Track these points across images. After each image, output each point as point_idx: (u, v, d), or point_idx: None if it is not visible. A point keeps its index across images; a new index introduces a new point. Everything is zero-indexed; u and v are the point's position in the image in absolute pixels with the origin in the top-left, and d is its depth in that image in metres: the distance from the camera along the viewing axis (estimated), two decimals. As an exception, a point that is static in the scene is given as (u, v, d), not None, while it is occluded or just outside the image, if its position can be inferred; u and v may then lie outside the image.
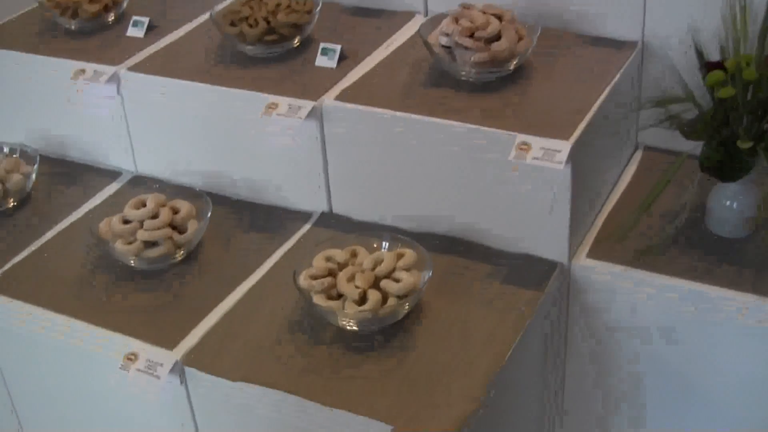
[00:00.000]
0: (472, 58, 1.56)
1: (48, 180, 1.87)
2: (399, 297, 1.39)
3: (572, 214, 1.48)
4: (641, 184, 1.68)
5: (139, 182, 1.84)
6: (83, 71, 1.78)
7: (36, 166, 1.82)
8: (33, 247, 1.68)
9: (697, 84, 1.48)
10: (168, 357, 1.40)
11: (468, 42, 1.55)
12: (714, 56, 1.48)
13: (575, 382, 1.64)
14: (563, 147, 1.42)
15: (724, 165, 1.44)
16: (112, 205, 1.70)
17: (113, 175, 1.88)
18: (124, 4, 1.96)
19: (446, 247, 1.58)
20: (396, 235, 1.52)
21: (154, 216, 1.58)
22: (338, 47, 1.71)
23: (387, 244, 1.50)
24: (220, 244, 1.65)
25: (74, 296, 1.54)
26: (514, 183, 1.48)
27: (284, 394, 1.32)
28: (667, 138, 1.64)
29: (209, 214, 1.61)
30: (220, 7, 1.86)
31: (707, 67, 1.44)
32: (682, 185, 1.58)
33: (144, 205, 1.61)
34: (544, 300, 1.47)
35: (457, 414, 1.26)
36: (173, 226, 1.59)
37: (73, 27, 1.93)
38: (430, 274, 1.42)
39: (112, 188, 1.84)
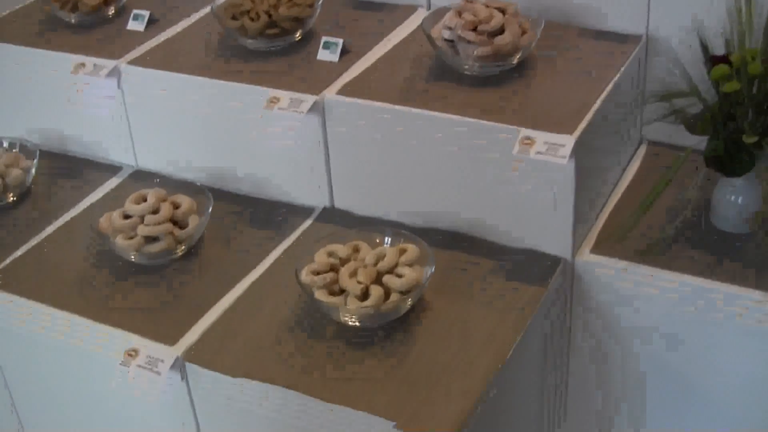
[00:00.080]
0: (475, 52, 1.55)
1: (48, 175, 1.87)
2: (401, 293, 1.38)
3: (576, 209, 1.47)
4: (645, 179, 1.67)
5: (140, 177, 1.83)
6: (83, 65, 1.77)
7: (36, 161, 1.81)
8: (33, 242, 1.67)
9: (702, 78, 1.47)
10: (169, 353, 1.39)
11: (471, 36, 1.55)
12: (719, 50, 1.48)
13: (577, 380, 1.64)
14: (567, 141, 1.41)
15: (729, 160, 1.43)
16: (113, 200, 1.70)
17: (114, 169, 1.87)
18: (125, -2, 1.96)
19: (449, 242, 1.57)
20: (398, 230, 1.51)
21: (155, 211, 1.58)
22: (340, 41, 1.70)
23: (389, 239, 1.50)
24: (221, 239, 1.64)
25: (74, 292, 1.54)
26: (517, 178, 1.47)
27: (285, 390, 1.32)
28: (671, 132, 1.64)
29: (210, 210, 1.61)
30: (221, 0, 1.85)
31: (712, 61, 1.44)
32: (686, 181, 1.57)
33: (145, 200, 1.60)
34: (547, 296, 1.46)
35: (457, 412, 1.25)
36: (174, 222, 1.58)
37: (73, 20, 1.92)
38: (433, 269, 1.42)
39: (112, 183, 1.84)
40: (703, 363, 1.50)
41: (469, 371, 1.32)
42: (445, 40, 1.59)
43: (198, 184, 1.69)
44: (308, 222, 1.67)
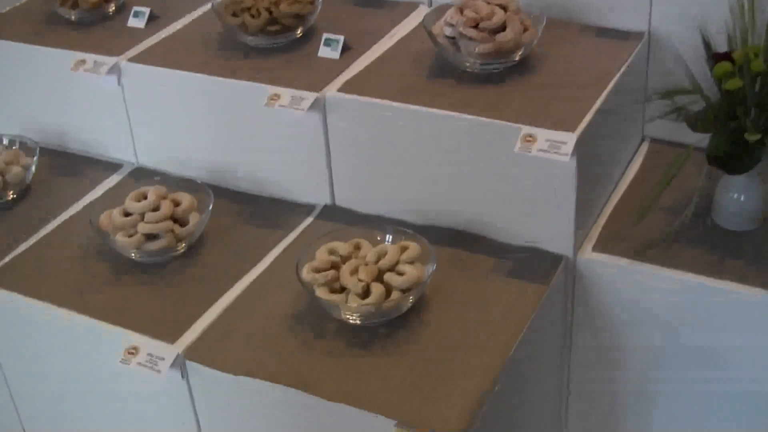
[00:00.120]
0: (477, 49, 1.55)
1: (48, 172, 1.86)
2: (402, 291, 1.38)
3: (578, 206, 1.47)
4: (647, 177, 1.67)
5: (140, 174, 1.83)
6: (83, 62, 1.77)
7: (36, 158, 1.81)
8: (33, 240, 1.67)
9: (705, 75, 1.47)
10: (169, 351, 1.39)
11: (472, 33, 1.54)
12: (721, 47, 1.47)
13: (579, 379, 1.63)
14: (569, 139, 1.41)
15: (731, 157, 1.43)
16: (113, 197, 1.69)
17: (114, 167, 1.87)
18: (125, -5, 1.96)
19: (450, 240, 1.57)
20: (399, 227, 1.51)
21: (155, 208, 1.57)
22: (341, 38, 1.70)
23: (390, 236, 1.50)
24: (222, 237, 1.64)
25: (74, 290, 1.53)
26: (519, 175, 1.47)
27: (286, 388, 1.31)
28: (673, 130, 1.64)
29: (211, 207, 1.60)
30: (221, -3, 1.85)
31: (714, 58, 1.43)
32: (688, 178, 1.57)
33: (145, 197, 1.60)
34: (549, 295, 1.46)
35: (459, 411, 1.25)
36: (174, 219, 1.58)
37: (73, 17, 1.92)
38: (434, 267, 1.41)
39: (112, 180, 1.83)
40: (706, 360, 1.50)
41: (470, 370, 1.32)
42: (447, 37, 1.59)
43: (198, 181, 1.69)
44: (309, 219, 1.67)
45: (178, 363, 1.39)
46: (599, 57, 1.62)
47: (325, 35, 1.72)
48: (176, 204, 1.60)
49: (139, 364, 1.38)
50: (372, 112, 1.55)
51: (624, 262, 1.49)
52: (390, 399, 1.28)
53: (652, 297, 1.48)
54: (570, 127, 1.43)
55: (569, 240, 1.50)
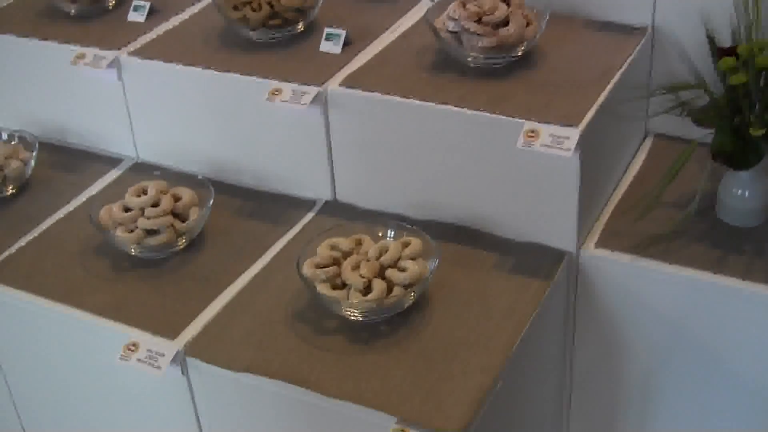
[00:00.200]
0: (480, 44, 1.54)
1: (47, 167, 1.85)
2: (404, 287, 1.37)
3: (581, 202, 1.46)
4: (651, 172, 1.66)
5: (141, 169, 1.82)
6: (83, 56, 1.76)
7: (35, 153, 1.80)
8: (32, 235, 1.66)
9: (709, 70, 1.47)
10: (169, 347, 1.39)
11: (475, 27, 1.54)
12: (726, 42, 1.47)
13: (582, 374, 1.63)
14: (572, 134, 1.40)
15: (735, 153, 1.42)
16: (113, 192, 1.68)
17: (114, 162, 1.86)
18: (125, -12, 1.95)
19: (452, 235, 1.56)
20: (401, 223, 1.50)
21: (156, 204, 1.57)
22: (343, 32, 1.69)
23: (392, 232, 1.49)
24: (223, 232, 1.63)
25: (74, 285, 1.53)
26: (521, 171, 1.46)
27: (286, 384, 1.31)
28: (677, 125, 1.63)
29: (211, 202, 1.60)
30: (222, -9, 1.84)
31: (719, 53, 1.43)
32: (692, 174, 1.56)
33: (145, 192, 1.59)
34: (552, 290, 1.45)
35: (461, 407, 1.24)
36: (175, 214, 1.57)
37: (72, 11, 1.91)
38: (437, 263, 1.41)
39: (112, 175, 1.83)
40: (709, 357, 1.50)
41: (471, 367, 1.31)
42: (449, 31, 1.58)
43: (199, 176, 1.68)
44: (310, 215, 1.66)
45: (179, 359, 1.38)
46: (603, 52, 1.61)
47: (326, 29, 1.71)
48: (176, 199, 1.59)
49: (139, 360, 1.38)
50: (374, 107, 1.54)
51: (627, 258, 1.48)
52: (391, 396, 1.27)
53: (655, 293, 1.48)
54: (573, 122, 1.42)
55: (572, 236, 1.49)
